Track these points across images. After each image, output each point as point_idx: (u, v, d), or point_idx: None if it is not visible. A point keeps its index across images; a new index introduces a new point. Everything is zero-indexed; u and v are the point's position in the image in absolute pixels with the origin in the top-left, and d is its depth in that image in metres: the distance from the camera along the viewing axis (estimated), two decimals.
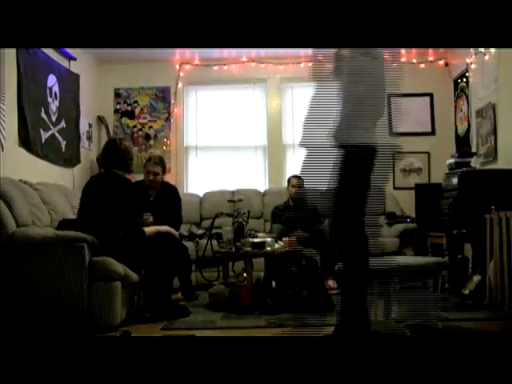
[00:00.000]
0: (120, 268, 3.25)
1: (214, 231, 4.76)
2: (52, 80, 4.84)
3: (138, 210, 3.65)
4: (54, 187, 4.15)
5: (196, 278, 4.74)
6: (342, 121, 2.81)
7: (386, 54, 3.03)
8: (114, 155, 3.54)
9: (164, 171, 4.46)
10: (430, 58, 6.02)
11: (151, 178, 4.35)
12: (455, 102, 5.82)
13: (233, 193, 4.66)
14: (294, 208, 5.25)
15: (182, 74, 6.16)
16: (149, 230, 3.65)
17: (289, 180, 5.38)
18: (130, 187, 3.55)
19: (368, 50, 2.75)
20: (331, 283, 4.58)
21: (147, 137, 6.19)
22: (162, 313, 3.45)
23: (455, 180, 4.51)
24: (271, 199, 5.67)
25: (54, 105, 4.87)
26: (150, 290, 3.53)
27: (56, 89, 4.92)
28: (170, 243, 3.70)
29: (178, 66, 6.15)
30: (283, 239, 4.31)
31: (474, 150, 5.15)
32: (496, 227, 3.69)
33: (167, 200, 4.40)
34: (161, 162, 4.45)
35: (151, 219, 4.00)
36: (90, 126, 5.93)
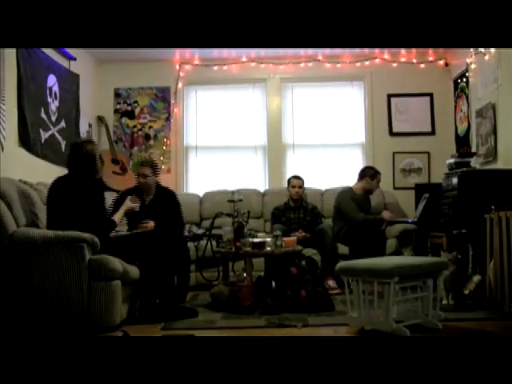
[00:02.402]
0: (119, 265, 3.24)
1: (213, 231, 4.75)
2: (52, 80, 4.84)
3: (97, 207, 3.56)
4: None
5: (196, 279, 4.74)
6: None
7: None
8: (77, 158, 3.54)
9: (155, 173, 4.33)
10: (430, 58, 6.02)
11: (141, 180, 4.25)
12: (455, 102, 5.82)
13: (233, 193, 4.65)
14: (294, 208, 5.26)
15: (181, 74, 6.16)
16: (118, 216, 3.74)
17: (289, 180, 5.37)
18: (87, 188, 3.50)
19: None
20: (331, 283, 4.58)
21: (147, 137, 6.19)
22: (165, 314, 3.43)
23: (455, 180, 4.51)
24: (271, 199, 5.67)
25: (53, 105, 4.87)
26: (149, 293, 3.52)
27: (56, 89, 4.92)
28: (170, 243, 3.71)
29: (178, 66, 6.15)
30: (283, 239, 4.30)
31: (474, 149, 5.15)
32: (496, 227, 3.69)
33: (164, 204, 4.30)
34: (150, 163, 4.36)
35: (151, 224, 4.00)
36: (90, 125, 5.93)
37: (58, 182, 3.57)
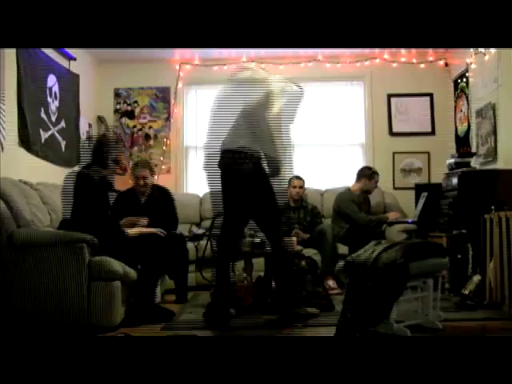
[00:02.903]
0: (119, 267, 3.24)
1: (213, 231, 4.74)
2: (52, 80, 4.84)
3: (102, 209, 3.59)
4: (53, 187, 4.15)
5: (196, 279, 4.73)
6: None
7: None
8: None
9: (152, 173, 4.37)
10: (430, 58, 6.02)
11: (141, 182, 4.25)
12: (455, 102, 5.81)
13: None
14: (294, 209, 5.25)
15: (181, 74, 6.16)
16: (132, 231, 3.72)
17: (289, 180, 5.37)
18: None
19: None
20: (331, 283, 4.58)
21: (147, 137, 6.19)
22: (141, 316, 3.42)
23: (455, 180, 4.51)
24: None
25: (53, 105, 4.87)
26: (134, 294, 3.52)
27: (56, 89, 4.92)
28: (159, 245, 3.71)
29: (178, 66, 6.15)
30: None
31: (473, 150, 5.15)
32: (496, 227, 3.69)
33: (159, 203, 4.31)
34: (148, 165, 4.38)
35: (144, 221, 3.99)
36: (90, 126, 5.93)
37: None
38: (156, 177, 5.96)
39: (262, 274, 4.26)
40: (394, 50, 5.97)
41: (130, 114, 6.21)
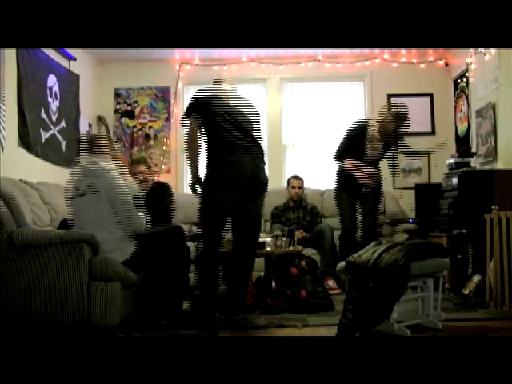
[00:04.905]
0: (120, 268, 3.24)
1: None
2: (52, 80, 4.84)
3: None
4: (54, 187, 4.15)
5: (196, 279, 4.72)
6: None
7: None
8: None
9: (149, 168, 4.40)
10: (430, 58, 6.02)
11: (140, 178, 4.24)
12: (455, 102, 5.81)
13: None
14: (293, 208, 5.26)
15: (182, 74, 6.16)
16: None
17: (288, 180, 5.37)
18: None
19: None
20: (331, 283, 4.58)
21: (147, 137, 6.19)
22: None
23: (455, 180, 4.51)
24: (271, 199, 5.64)
25: (54, 105, 4.87)
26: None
27: (56, 89, 4.92)
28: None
29: (178, 66, 6.15)
30: (283, 239, 4.29)
31: (474, 150, 5.15)
32: (496, 227, 3.69)
33: (155, 198, 4.30)
34: (143, 160, 4.42)
35: None
36: (90, 126, 5.93)
37: None
38: (156, 174, 5.99)
39: (262, 274, 4.27)
40: (394, 49, 5.97)
41: (130, 114, 6.21)
